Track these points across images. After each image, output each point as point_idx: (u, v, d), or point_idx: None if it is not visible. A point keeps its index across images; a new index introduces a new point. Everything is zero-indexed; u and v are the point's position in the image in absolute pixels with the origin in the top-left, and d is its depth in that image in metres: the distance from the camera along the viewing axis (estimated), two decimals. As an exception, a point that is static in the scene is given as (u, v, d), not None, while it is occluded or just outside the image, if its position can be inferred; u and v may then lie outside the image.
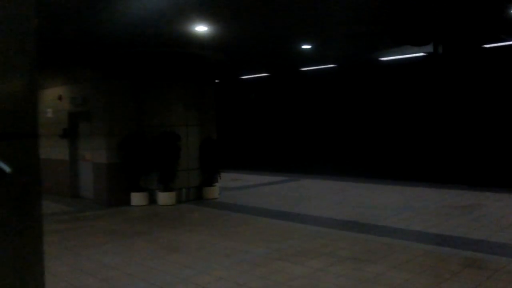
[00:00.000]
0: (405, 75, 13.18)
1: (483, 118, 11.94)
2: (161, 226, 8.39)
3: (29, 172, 1.84)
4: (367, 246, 6.64)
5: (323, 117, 15.61)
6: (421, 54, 11.64)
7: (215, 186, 11.53)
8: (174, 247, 6.83)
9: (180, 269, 5.75)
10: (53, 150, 12.52)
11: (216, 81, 11.82)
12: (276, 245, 6.83)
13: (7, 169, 1.62)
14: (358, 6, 7.02)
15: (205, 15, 7.44)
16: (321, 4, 6.95)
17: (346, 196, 11.22)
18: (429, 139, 12.89)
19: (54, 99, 12.42)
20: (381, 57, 12.18)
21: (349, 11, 7.34)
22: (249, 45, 9.99)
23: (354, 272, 5.49)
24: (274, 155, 16.96)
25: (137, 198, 10.62)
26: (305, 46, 10.25)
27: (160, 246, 6.94)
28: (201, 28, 8.18)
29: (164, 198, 10.56)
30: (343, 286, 5.07)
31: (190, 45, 9.90)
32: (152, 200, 10.81)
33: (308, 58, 11.75)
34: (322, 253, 6.32)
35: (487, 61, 11.61)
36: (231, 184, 13.42)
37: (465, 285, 4.97)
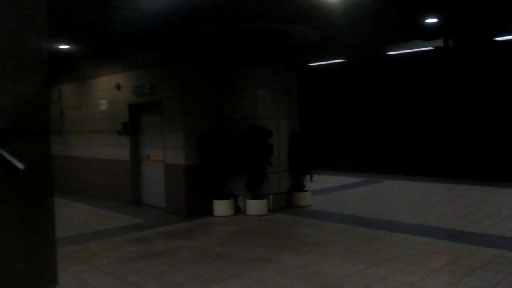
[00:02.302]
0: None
1: None
2: (276, 246, 6.47)
3: (41, 169, 1.85)
4: None
5: (401, 109, 13.63)
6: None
7: (307, 191, 9.61)
8: (332, 284, 4.91)
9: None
10: (108, 148, 10.66)
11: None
12: (471, 279, 4.90)
13: (20, 166, 1.57)
14: None
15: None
16: None
17: (464, 203, 9.25)
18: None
19: (110, 89, 10.56)
20: (498, 36, 10.18)
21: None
22: (366, 16, 8.03)
23: None
24: (339, 152, 14.99)
25: (222, 207, 8.72)
26: (429, 20, 8.27)
27: (310, 281, 5.02)
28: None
29: (254, 206, 8.65)
30: None
31: (291, 18, 7.96)
32: (237, 209, 8.92)
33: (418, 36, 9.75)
34: None
35: None
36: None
37: None
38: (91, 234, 7.57)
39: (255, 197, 8.68)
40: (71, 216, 9.16)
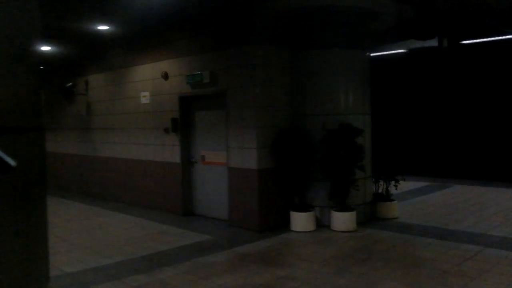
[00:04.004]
0: None
1: None
2: (411, 278, 4.99)
3: (34, 166, 1.82)
4: None
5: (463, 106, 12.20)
6: None
7: (394, 200, 8.13)
8: None
9: None
10: (152, 148, 9.11)
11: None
12: None
13: (12, 163, 1.53)
14: None
15: None
16: None
17: None
18: None
19: (153, 79, 9.00)
20: None
21: None
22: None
23: None
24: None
25: (302, 221, 7.21)
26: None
27: None
28: None
29: (342, 220, 7.15)
30: None
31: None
32: (317, 222, 7.41)
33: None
34: None
35: None
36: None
37: None
38: (155, 257, 6.03)
39: (343, 208, 7.19)
40: (115, 230, 7.61)
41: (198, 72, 7.93)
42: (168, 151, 8.71)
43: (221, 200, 7.95)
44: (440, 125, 12.67)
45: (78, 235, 7.26)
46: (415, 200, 9.72)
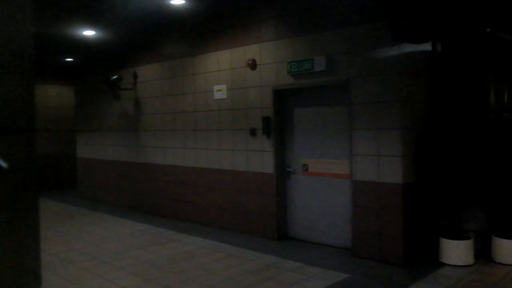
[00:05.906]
0: None
1: None
2: None
3: (25, 168, 1.79)
4: None
5: None
6: None
7: (550, 221, 6.45)
8: None
9: None
10: (231, 155, 7.35)
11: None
12: None
13: (4, 165, 1.57)
14: None
15: None
16: None
17: None
18: None
19: (233, 68, 7.24)
20: None
21: None
22: None
23: None
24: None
25: (458, 251, 5.47)
26: None
27: None
28: None
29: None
30: None
31: None
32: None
33: None
34: None
35: None
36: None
37: None
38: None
39: (509, 234, 5.49)
40: (206, 263, 5.82)
41: (305, 58, 6.19)
42: (255, 158, 6.96)
43: (335, 222, 6.22)
44: None
45: (163, 272, 5.47)
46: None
